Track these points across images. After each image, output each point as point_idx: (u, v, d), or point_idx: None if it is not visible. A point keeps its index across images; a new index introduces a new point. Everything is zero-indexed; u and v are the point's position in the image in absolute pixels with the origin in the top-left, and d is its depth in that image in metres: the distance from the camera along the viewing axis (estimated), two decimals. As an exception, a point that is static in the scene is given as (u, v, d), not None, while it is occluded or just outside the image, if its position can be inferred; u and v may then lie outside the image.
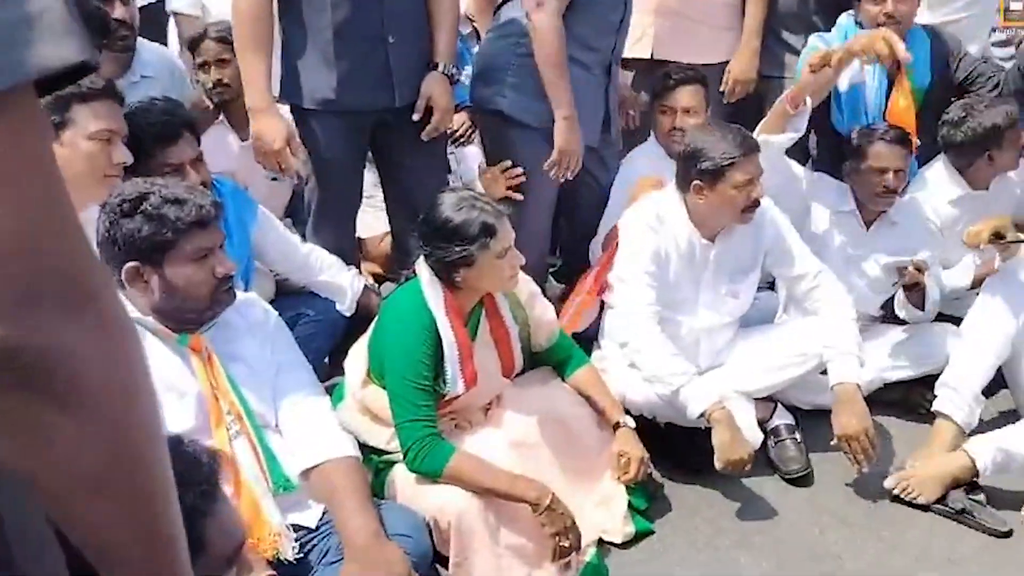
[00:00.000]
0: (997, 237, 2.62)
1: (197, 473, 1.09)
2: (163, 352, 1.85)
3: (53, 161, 0.59)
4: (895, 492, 2.55)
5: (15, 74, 0.54)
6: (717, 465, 2.42)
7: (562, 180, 2.90)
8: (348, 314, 2.79)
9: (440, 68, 2.74)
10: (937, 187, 3.12)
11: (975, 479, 2.52)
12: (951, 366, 2.71)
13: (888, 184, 2.84)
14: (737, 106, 3.35)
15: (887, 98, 3.07)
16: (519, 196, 2.92)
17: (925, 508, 2.52)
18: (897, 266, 2.81)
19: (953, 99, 3.11)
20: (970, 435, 2.62)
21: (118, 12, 2.95)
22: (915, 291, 2.85)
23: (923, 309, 2.87)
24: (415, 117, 2.72)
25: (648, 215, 2.68)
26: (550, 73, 2.78)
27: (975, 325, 2.72)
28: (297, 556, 1.84)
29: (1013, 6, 3.30)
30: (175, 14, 3.62)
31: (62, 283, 0.58)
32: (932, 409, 2.70)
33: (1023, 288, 2.66)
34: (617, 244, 2.73)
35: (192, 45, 3.12)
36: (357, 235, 3.20)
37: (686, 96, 3.11)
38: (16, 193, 0.55)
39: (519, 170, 2.94)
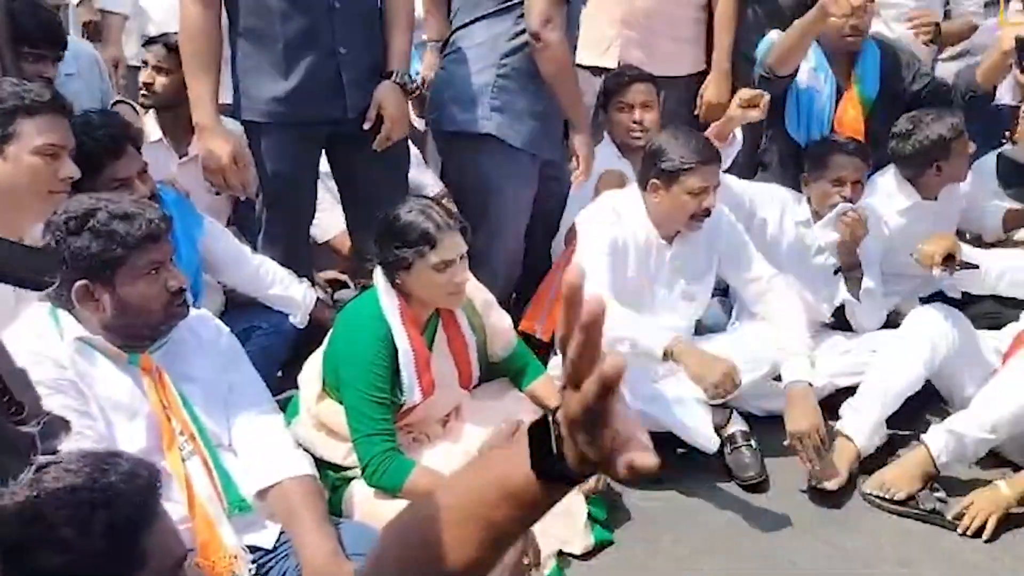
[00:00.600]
0: (949, 259, 2.67)
1: (134, 487, 1.08)
2: (113, 372, 1.81)
3: None
4: (874, 493, 2.59)
5: None
6: (707, 394, 2.44)
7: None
8: (301, 327, 2.75)
9: (393, 76, 2.71)
10: (888, 196, 3.19)
11: (938, 472, 2.57)
12: (860, 391, 2.76)
13: (844, 195, 2.89)
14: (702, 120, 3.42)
15: (836, 107, 3.15)
16: None
17: (895, 512, 2.57)
18: (839, 216, 2.86)
19: (904, 110, 3.18)
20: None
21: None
22: (854, 273, 2.94)
23: (858, 298, 2.96)
24: (365, 126, 2.68)
25: (605, 210, 2.73)
26: (567, 86, 2.80)
27: (890, 354, 2.77)
28: (254, 578, 1.81)
29: (1013, 7, 3.37)
30: (103, 12, 3.59)
31: None
32: (835, 428, 2.73)
33: (946, 317, 2.74)
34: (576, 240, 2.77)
35: (144, 45, 3.09)
36: (326, 239, 3.16)
37: (642, 91, 3.16)
38: None
39: None
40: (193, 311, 1.97)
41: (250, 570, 1.80)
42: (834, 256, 2.99)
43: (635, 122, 3.15)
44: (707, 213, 2.64)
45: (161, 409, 1.82)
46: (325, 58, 2.60)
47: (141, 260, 1.77)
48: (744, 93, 2.87)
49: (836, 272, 2.99)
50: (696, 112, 3.45)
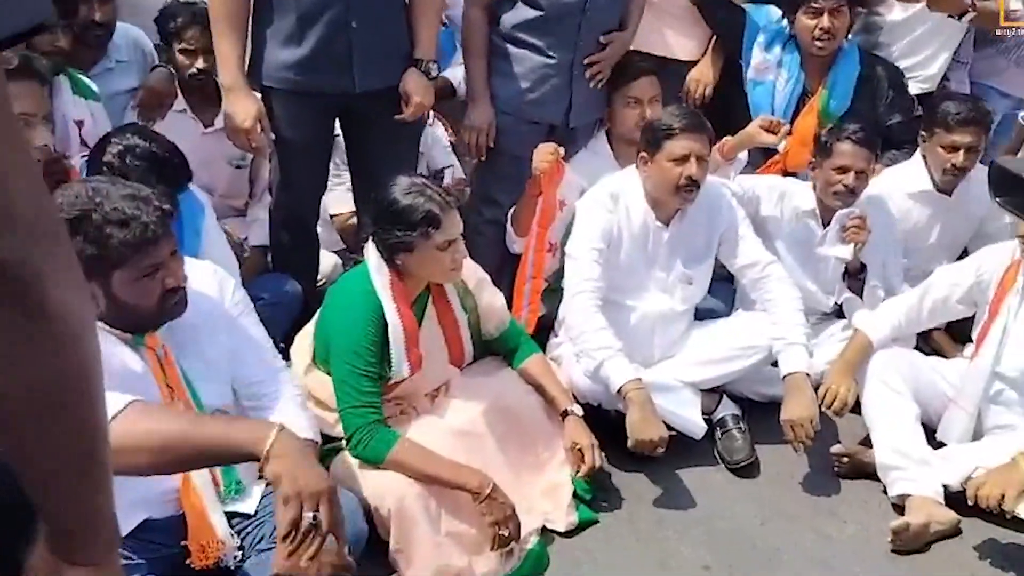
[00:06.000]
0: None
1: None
2: (119, 351, 1.89)
3: (10, 103, 0.69)
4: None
5: None
6: (629, 444, 2.54)
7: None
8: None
9: (420, 65, 2.82)
10: (903, 178, 3.19)
11: None
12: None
13: (847, 183, 2.92)
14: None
15: (795, 110, 3.25)
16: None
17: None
18: (842, 223, 2.95)
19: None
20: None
21: (97, 15, 3.01)
22: (857, 277, 3.03)
23: (861, 296, 3.03)
24: (397, 117, 2.78)
25: (603, 194, 2.82)
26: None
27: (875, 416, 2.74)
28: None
29: (1013, 5, 3.37)
30: None
31: (32, 211, 0.69)
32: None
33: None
34: (541, 214, 2.89)
35: (165, 21, 3.07)
36: (330, 212, 3.27)
37: (649, 85, 3.16)
38: None
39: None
40: (194, 270, 1.98)
41: (235, 557, 1.91)
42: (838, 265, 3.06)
43: (643, 119, 3.15)
44: (692, 183, 2.71)
45: (166, 388, 1.92)
46: (336, 31, 2.72)
47: (138, 265, 1.79)
48: (764, 117, 3.01)
49: (843, 277, 3.05)
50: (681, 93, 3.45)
